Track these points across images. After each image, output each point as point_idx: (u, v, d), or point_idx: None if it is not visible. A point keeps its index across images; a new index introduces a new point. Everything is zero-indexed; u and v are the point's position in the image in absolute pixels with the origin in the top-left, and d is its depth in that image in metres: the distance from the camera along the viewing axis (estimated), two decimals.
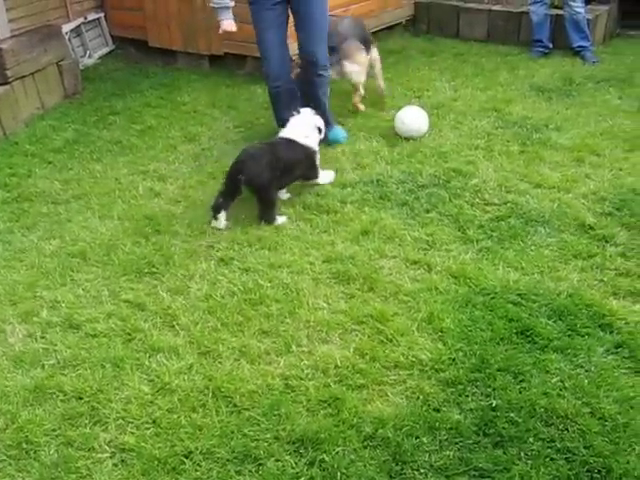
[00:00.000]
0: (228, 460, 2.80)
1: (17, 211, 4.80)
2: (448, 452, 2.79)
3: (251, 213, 4.49)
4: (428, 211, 4.47)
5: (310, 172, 4.71)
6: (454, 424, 2.89)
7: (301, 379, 3.15)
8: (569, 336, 3.35)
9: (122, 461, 2.83)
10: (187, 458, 2.82)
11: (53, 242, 4.36)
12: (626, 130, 5.51)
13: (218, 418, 2.98)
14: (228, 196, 4.39)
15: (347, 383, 3.13)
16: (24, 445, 2.91)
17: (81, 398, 3.12)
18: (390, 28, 8.12)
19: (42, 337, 3.52)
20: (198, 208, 4.64)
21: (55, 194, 5.00)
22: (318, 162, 4.75)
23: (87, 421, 3.01)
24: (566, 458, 2.75)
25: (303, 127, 4.65)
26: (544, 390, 3.04)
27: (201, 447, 2.85)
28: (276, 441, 2.87)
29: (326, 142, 5.19)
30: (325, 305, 3.63)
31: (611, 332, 3.37)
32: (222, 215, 4.37)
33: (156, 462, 2.80)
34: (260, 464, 2.78)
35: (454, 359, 3.23)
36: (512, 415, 2.92)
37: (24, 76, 6.21)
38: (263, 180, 4.33)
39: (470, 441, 2.83)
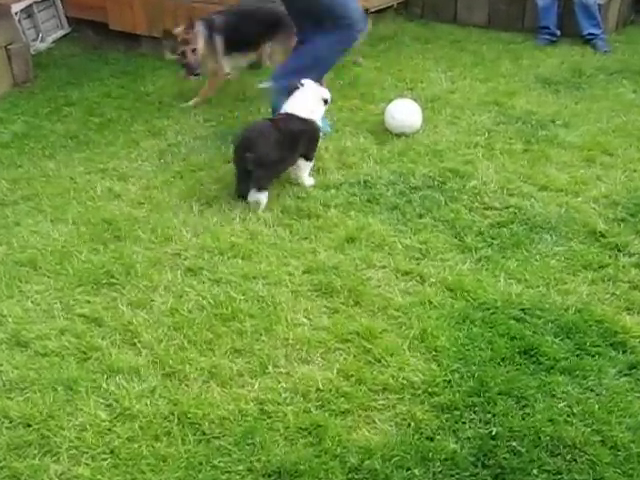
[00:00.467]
0: None
1: None
2: None
3: (222, 217, 4.49)
4: (421, 216, 4.49)
5: (310, 150, 4.85)
6: (449, 454, 2.90)
7: (278, 404, 3.15)
8: (578, 356, 3.37)
9: None
10: None
11: None
12: None
13: (184, 447, 2.97)
14: (247, 178, 4.56)
15: (330, 408, 3.12)
16: None
17: (29, 425, 3.09)
18: (380, 12, 8.15)
19: None
20: (163, 211, 4.63)
21: (2, 195, 4.97)
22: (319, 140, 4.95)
23: (36, 451, 2.98)
24: None
25: (309, 101, 4.86)
26: (550, 416, 3.05)
27: None
28: (250, 473, 2.86)
29: None
30: (305, 321, 3.63)
31: (624, 351, 3.40)
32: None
33: None
34: None
35: (450, 381, 3.24)
36: (514, 444, 2.93)
37: None
38: (271, 159, 4.55)
39: (467, 473, 2.84)
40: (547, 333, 3.50)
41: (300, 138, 4.73)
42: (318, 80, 5.18)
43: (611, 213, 4.45)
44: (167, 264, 4.11)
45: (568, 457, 2.88)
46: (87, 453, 2.96)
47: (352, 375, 3.28)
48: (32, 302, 3.85)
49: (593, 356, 3.36)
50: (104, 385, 3.27)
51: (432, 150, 5.26)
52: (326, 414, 3.09)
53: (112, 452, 2.96)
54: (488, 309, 3.67)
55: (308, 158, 4.84)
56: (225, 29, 5.99)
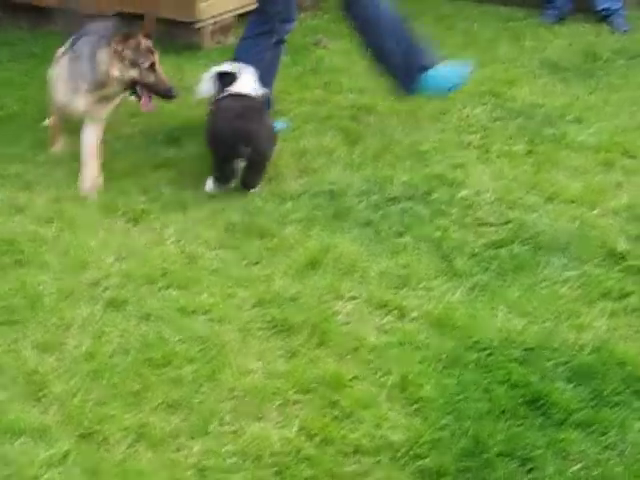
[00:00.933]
0: None
1: None
2: None
3: (152, 236, 4.47)
4: (401, 234, 4.51)
5: None
6: None
7: (224, 471, 3.13)
8: (595, 407, 3.39)
9: None
10: None
11: None
12: None
13: None
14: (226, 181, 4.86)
15: (289, 475, 3.11)
16: None
17: None
18: None
19: None
20: (78, 229, 4.60)
21: None
22: None
23: None
24: None
25: (250, 80, 5.10)
26: None
27: None
28: None
29: None
30: (257, 366, 3.62)
31: None
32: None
33: None
34: None
35: (438, 441, 3.23)
36: None
37: None
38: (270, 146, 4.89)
39: None
40: (557, 378, 3.52)
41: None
42: None
43: (634, 229, 4.51)
44: (82, 296, 4.08)
45: None
46: None
47: (316, 434, 3.27)
48: None
49: (613, 407, 3.38)
50: (1, 450, 3.22)
51: (414, 152, 5.30)
52: None
53: None
54: (484, 349, 3.68)
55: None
56: None
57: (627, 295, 4.02)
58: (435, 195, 4.84)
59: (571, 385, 3.48)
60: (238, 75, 5.08)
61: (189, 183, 5.02)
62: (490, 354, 3.65)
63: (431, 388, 3.47)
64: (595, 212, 4.67)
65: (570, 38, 7.18)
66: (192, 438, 3.27)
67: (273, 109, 5.63)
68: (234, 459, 3.17)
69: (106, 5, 7.12)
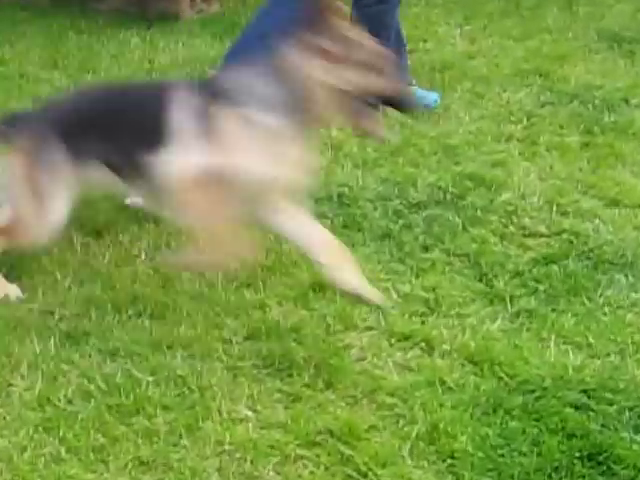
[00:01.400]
0: None
1: None
2: None
3: (120, 253, 4.47)
4: (427, 248, 4.52)
5: None
6: None
7: None
8: None
9: None
10: None
11: None
12: None
13: None
14: None
15: None
16: None
17: None
18: None
19: None
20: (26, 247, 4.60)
21: None
22: None
23: None
24: None
25: None
26: None
27: None
28: None
29: None
30: (250, 414, 3.61)
31: None
32: None
33: None
34: None
35: None
36: None
37: None
38: None
39: None
40: (623, 427, 3.51)
41: None
42: None
43: None
44: (33, 328, 4.09)
45: None
46: None
47: None
48: None
49: None
50: None
51: (442, 146, 5.32)
52: None
53: None
54: (532, 391, 3.68)
55: None
56: None
57: None
58: (469, 199, 4.85)
59: None
60: None
61: None
62: (539, 397, 3.65)
63: (467, 439, 3.46)
64: None
65: (635, 3, 7.18)
66: None
67: None
68: None
69: None
